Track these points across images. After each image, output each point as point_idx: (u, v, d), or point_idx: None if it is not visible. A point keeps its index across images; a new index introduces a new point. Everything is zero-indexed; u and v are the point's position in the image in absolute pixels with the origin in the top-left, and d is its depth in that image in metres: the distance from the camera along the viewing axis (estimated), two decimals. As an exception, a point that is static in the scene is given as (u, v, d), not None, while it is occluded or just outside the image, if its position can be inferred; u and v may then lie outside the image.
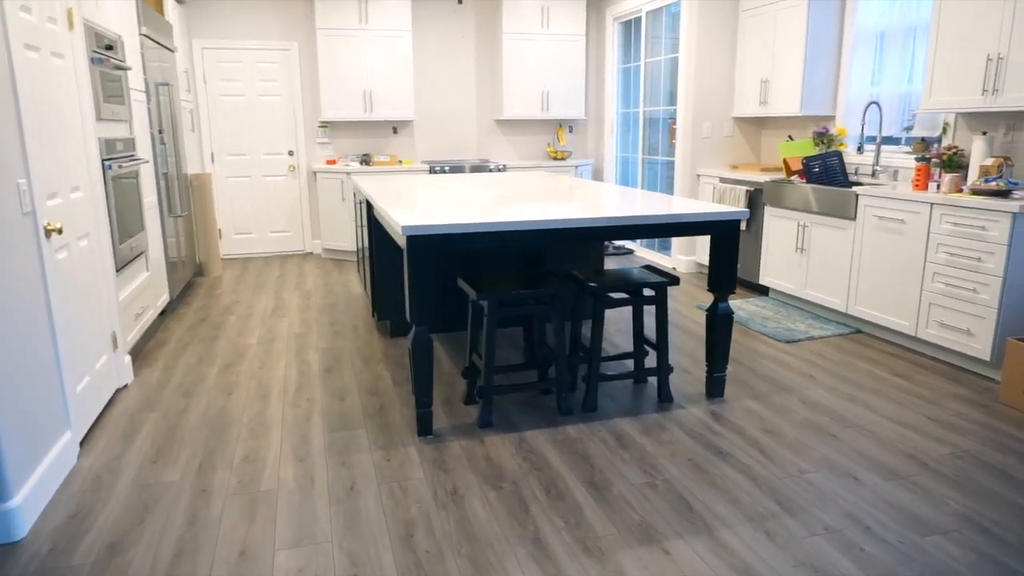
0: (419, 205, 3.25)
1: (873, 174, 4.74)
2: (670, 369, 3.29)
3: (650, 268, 3.42)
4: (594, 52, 7.58)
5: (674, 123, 6.14)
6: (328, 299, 5.27)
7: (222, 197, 6.82)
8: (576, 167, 7.28)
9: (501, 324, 4.48)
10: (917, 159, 4.03)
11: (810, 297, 4.66)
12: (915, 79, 4.53)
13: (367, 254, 4.28)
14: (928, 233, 3.74)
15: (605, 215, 2.90)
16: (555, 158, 7.45)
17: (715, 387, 3.33)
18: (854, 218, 4.25)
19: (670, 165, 6.57)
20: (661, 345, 3.24)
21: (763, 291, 5.34)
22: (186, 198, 5.53)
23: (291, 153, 6.92)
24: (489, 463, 2.71)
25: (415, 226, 2.67)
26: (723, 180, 5.53)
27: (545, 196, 3.61)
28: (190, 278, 5.71)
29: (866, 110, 4.61)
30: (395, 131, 7.16)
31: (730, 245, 3.14)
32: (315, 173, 6.93)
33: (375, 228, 4.17)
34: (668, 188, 6.60)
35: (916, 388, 3.42)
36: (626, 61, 7.23)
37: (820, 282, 4.56)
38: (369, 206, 4.21)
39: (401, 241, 2.80)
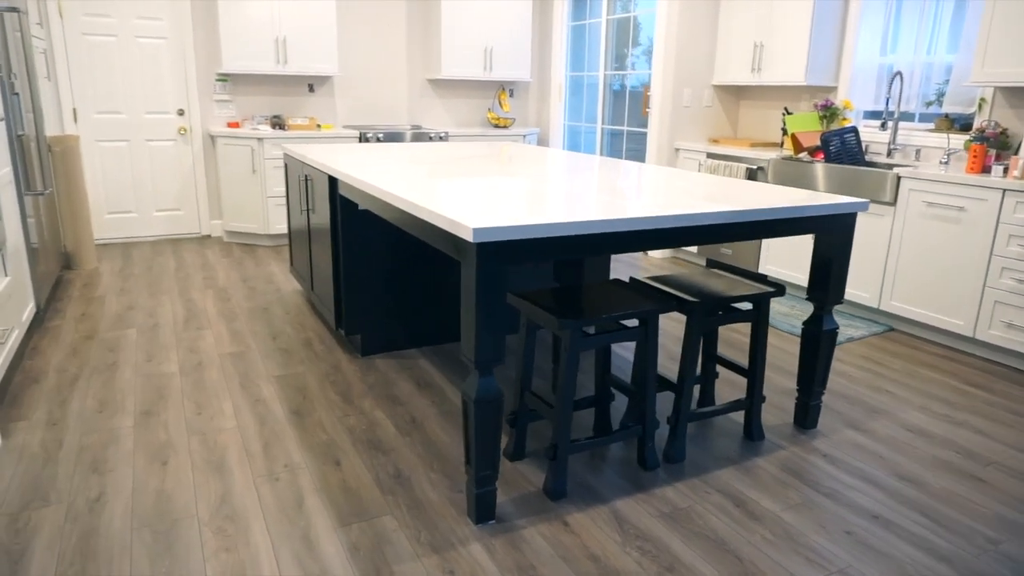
0: (438, 190, 2.33)
1: (889, 153, 4.32)
2: (762, 399, 2.63)
3: (728, 269, 2.73)
4: (539, 5, 6.72)
5: (648, 89, 5.47)
6: (255, 300, 4.15)
7: (91, 167, 5.35)
8: (524, 136, 6.45)
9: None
10: (973, 139, 3.60)
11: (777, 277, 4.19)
12: (938, 48, 4.12)
13: (334, 251, 3.25)
14: (997, 223, 3.33)
15: (732, 208, 2.15)
16: (497, 125, 6.57)
17: (809, 416, 2.71)
18: (893, 203, 3.78)
19: (637, 137, 5.92)
20: (756, 370, 2.57)
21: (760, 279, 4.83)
22: (48, 169, 4.14)
23: (181, 112, 5.55)
24: (596, 563, 1.92)
25: (495, 228, 1.78)
26: (712, 156, 4.94)
27: (590, 181, 2.79)
28: (57, 274, 4.34)
29: (892, 81, 4.14)
30: (311, 89, 5.96)
31: (843, 244, 2.50)
32: (213, 138, 5.61)
33: (346, 215, 3.15)
34: (640, 161, 5.95)
35: (1011, 404, 3.00)
36: (578, 18, 6.44)
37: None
38: (331, 183, 3.18)
39: (446, 246, 1.90)
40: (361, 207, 3.16)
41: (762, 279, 2.59)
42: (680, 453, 2.46)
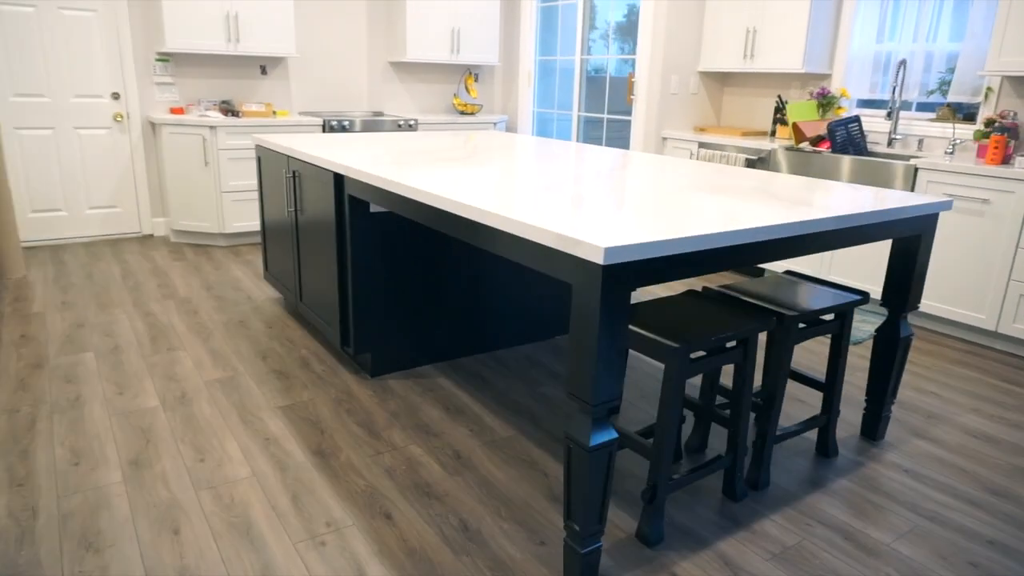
0: (502, 195, 1.99)
1: (890, 143, 4.25)
2: (838, 413, 2.45)
3: (803, 277, 2.52)
4: (504, -15, 6.36)
5: (633, 75, 5.23)
6: (228, 313, 3.66)
7: (11, 158, 4.63)
8: (494, 124, 6.09)
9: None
10: (994, 130, 3.54)
11: (836, 282, 4.09)
12: (941, 35, 4.06)
13: (339, 260, 2.83)
14: (1024, 216, 3.28)
15: (855, 211, 1.93)
16: (464, 112, 6.19)
17: (879, 428, 2.55)
18: (910, 195, 3.69)
19: (618, 125, 5.68)
20: (836, 384, 2.38)
21: (757, 273, 4.72)
22: (-33, 164, 3.50)
23: (116, 96, 4.89)
24: (729, 627, 1.66)
25: (629, 247, 1.48)
26: (706, 146, 4.76)
27: (657, 180, 2.52)
28: (-19, 288, 3.70)
29: (898, 70, 4.06)
30: (264, 71, 5.39)
31: (927, 245, 2.33)
32: (155, 125, 4.99)
33: (356, 218, 2.74)
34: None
35: (1050, 400, 2.95)
36: (548, -2, 6.12)
37: (850, 266, 3.99)
38: (337, 182, 2.76)
39: (560, 268, 1.58)
40: (374, 209, 2.76)
41: (840, 287, 2.39)
42: (766, 479, 2.24)
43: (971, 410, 2.85)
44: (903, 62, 4.06)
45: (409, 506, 2.08)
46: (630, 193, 2.11)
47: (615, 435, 1.65)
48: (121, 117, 4.92)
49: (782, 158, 4.27)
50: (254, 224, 5.01)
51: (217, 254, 4.79)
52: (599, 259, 1.46)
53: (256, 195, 4.98)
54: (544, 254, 1.64)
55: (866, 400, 2.56)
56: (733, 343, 2.35)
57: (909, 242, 2.33)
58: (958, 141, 3.93)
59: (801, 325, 2.20)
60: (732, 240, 1.67)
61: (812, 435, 2.58)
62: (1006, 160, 3.51)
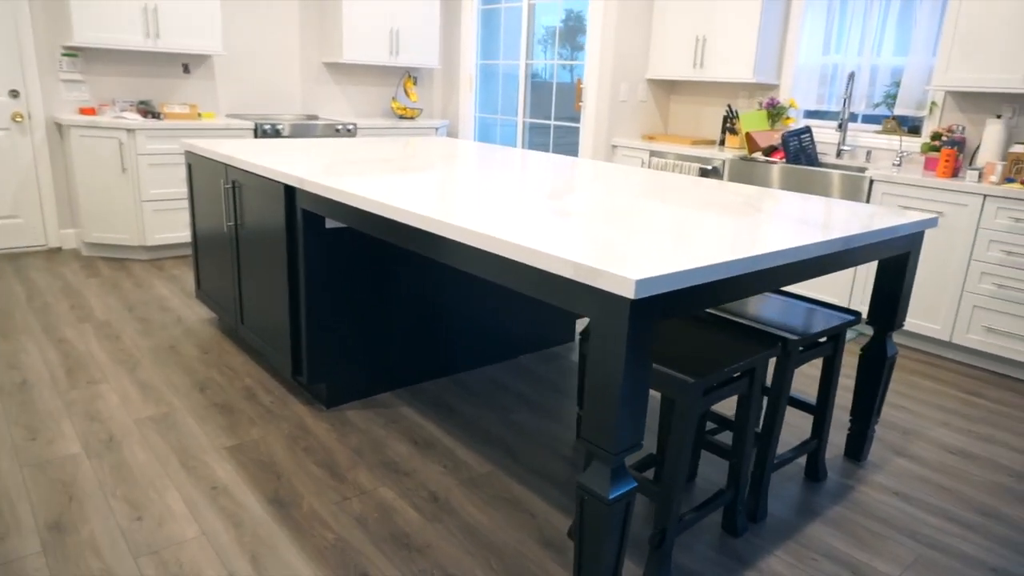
0: (498, 215, 1.80)
1: (838, 154, 4.30)
2: (827, 436, 2.37)
3: (785, 295, 2.43)
4: (444, -14, 6.13)
5: (581, 82, 5.11)
6: (155, 337, 3.29)
7: None
8: (436, 129, 5.86)
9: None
10: (944, 143, 3.60)
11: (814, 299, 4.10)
12: (885, 50, 4.13)
13: (291, 281, 2.54)
14: (977, 228, 3.34)
15: (872, 228, 1.84)
16: (403, 116, 5.93)
17: (864, 448, 2.50)
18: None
19: (563, 131, 5.57)
20: (828, 408, 2.30)
21: (826, 305, 4.68)
22: None
23: (15, 94, 4.37)
24: None
25: (660, 278, 1.31)
26: (657, 154, 4.70)
27: (654, 195, 2.37)
28: None
29: (849, 81, 4.10)
30: (186, 70, 4.97)
31: (913, 263, 2.29)
32: (61, 127, 4.49)
33: (310, 234, 2.47)
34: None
35: (1015, 412, 2.99)
36: (490, 1, 5.94)
37: (825, 281, 3.99)
38: (288, 194, 2.48)
39: (576, 301, 1.40)
40: (330, 225, 2.50)
41: (826, 305, 2.31)
42: (763, 511, 2.13)
43: (941, 424, 2.85)
44: (852, 75, 4.11)
45: (388, 562, 1.85)
46: (624, 211, 1.95)
47: (634, 484, 1.49)
48: (21, 118, 4.41)
49: (737, 168, 4.24)
50: (179, 236, 4.59)
51: (137, 269, 4.35)
52: (628, 293, 1.29)
53: (181, 204, 4.56)
54: (557, 285, 1.45)
55: (851, 420, 2.50)
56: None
57: (898, 260, 2.28)
58: (905, 153, 4.00)
59: (800, 348, 2.11)
60: (757, 265, 1.53)
61: (800, 458, 2.51)
62: (955, 173, 3.58)
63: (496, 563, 1.87)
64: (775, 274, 1.66)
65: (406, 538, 1.95)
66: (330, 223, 2.51)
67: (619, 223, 1.77)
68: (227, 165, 2.89)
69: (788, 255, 1.62)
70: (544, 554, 1.92)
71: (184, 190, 4.55)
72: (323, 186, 2.19)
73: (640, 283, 1.28)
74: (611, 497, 1.44)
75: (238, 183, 2.84)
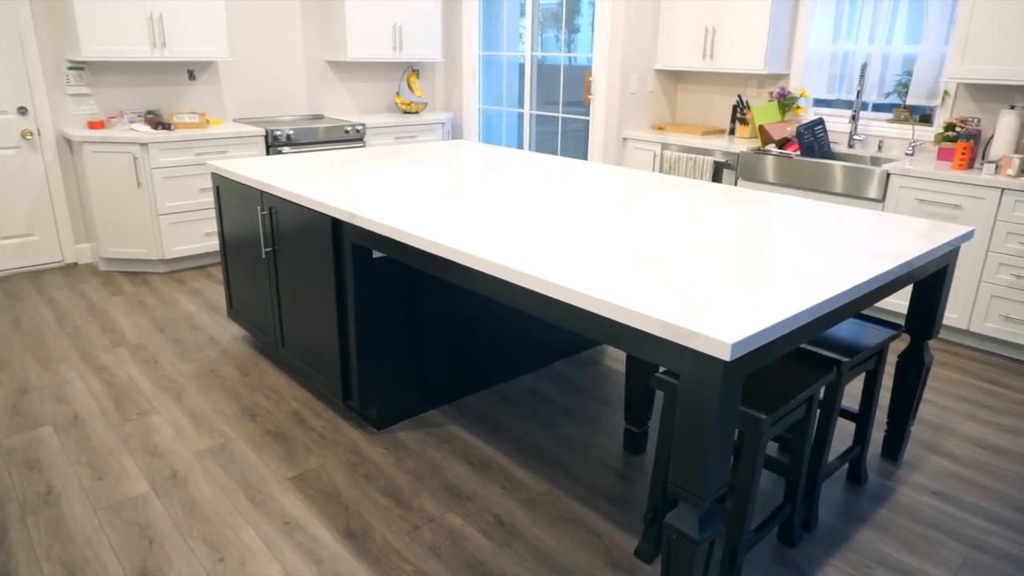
0: (578, 263, 1.84)
1: (850, 144, 4.35)
2: (869, 442, 2.47)
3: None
4: (443, -24, 6.05)
5: (590, 73, 5.11)
6: (193, 360, 3.32)
7: None
8: (443, 123, 5.84)
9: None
10: (960, 136, 3.66)
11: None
12: (896, 37, 4.16)
13: (340, 311, 2.58)
14: (995, 220, 3.42)
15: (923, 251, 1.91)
16: (408, 111, 5.89)
17: (900, 448, 2.60)
18: (882, 199, 3.79)
19: (571, 122, 5.57)
20: (870, 415, 2.39)
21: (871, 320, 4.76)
22: None
23: (23, 111, 4.31)
24: None
25: (753, 336, 1.37)
26: (670, 147, 4.73)
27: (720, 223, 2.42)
28: None
29: (861, 71, 4.13)
30: (192, 76, 4.91)
31: (949, 273, 2.36)
32: (72, 143, 4.45)
33: (359, 266, 2.50)
34: (581, 152, 5.63)
35: (1031, 399, 3.12)
36: (491, -9, 5.89)
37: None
38: (335, 227, 2.51)
39: (665, 357, 1.46)
40: (376, 255, 2.54)
41: (870, 319, 2.39)
42: (815, 519, 2.23)
43: (968, 417, 2.97)
44: (865, 66, 4.14)
45: (469, 594, 1.93)
46: (677, 240, 2.00)
47: (720, 523, 1.57)
48: (31, 134, 4.35)
49: (751, 161, 4.29)
50: (197, 247, 4.59)
51: (158, 283, 4.36)
52: (724, 355, 1.35)
53: (197, 215, 4.55)
54: (646, 341, 1.51)
55: (888, 422, 2.60)
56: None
57: (936, 272, 2.35)
58: (917, 143, 4.06)
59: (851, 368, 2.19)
60: (837, 304, 1.60)
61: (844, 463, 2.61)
62: (971, 165, 3.65)
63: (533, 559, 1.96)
64: (849, 308, 1.73)
65: (481, 566, 2.04)
66: (376, 252, 2.54)
67: (680, 256, 1.82)
68: (262, 192, 2.90)
69: (862, 288, 1.68)
70: (614, 575, 2.01)
71: (199, 201, 4.53)
72: (374, 222, 2.22)
73: (736, 346, 1.34)
74: (700, 538, 1.52)
75: (275, 209, 2.86)
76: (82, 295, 4.14)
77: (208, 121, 4.86)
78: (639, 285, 1.64)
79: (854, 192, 3.87)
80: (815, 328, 1.62)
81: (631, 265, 1.78)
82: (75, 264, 4.70)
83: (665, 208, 2.46)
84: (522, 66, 5.82)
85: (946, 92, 3.97)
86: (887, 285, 1.89)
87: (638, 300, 1.54)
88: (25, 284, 4.31)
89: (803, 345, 2.16)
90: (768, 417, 1.72)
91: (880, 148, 4.27)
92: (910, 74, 4.11)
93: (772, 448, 2.69)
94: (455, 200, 2.50)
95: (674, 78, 5.25)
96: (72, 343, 3.48)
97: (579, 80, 5.53)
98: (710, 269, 1.77)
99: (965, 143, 3.59)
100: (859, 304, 1.78)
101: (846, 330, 2.28)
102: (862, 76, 4.15)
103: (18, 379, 3.10)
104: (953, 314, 3.64)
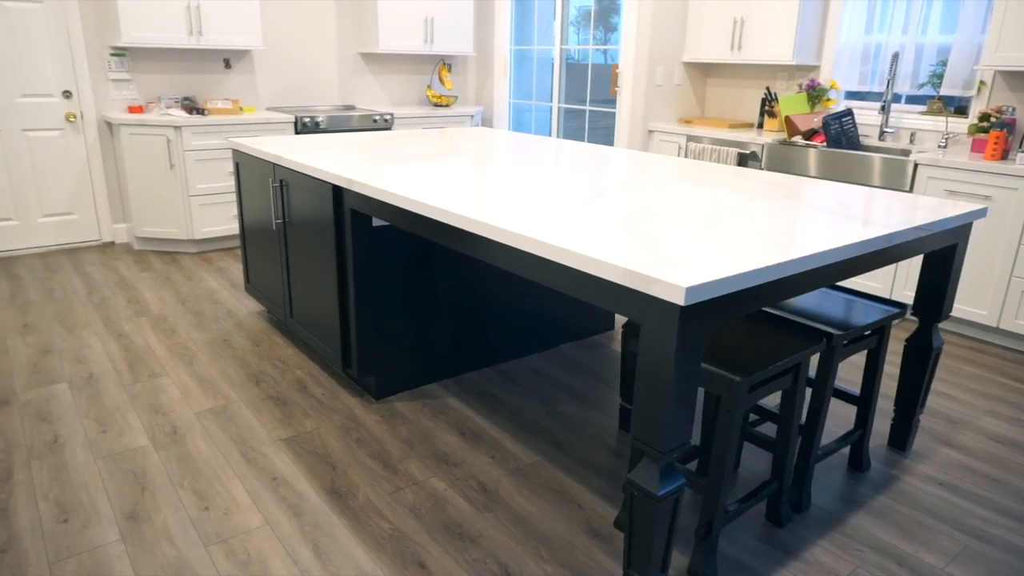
0: (552, 218, 1.84)
1: (881, 136, 4.22)
2: (871, 427, 2.38)
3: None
4: (477, -28, 6.12)
5: (617, 67, 5.09)
6: (208, 331, 3.42)
7: (-52, 165, 4.25)
8: (472, 116, 5.89)
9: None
10: (992, 125, 3.52)
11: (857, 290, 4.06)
12: (931, 27, 4.03)
13: (340, 279, 2.63)
14: (1027, 212, 3.27)
15: (918, 222, 1.84)
16: (438, 104, 5.97)
17: (908, 438, 2.50)
18: (910, 190, 3.67)
19: (598, 116, 5.55)
20: (872, 399, 2.31)
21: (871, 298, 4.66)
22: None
23: (68, 95, 4.53)
24: (804, 677, 1.57)
25: (709, 284, 1.35)
26: (695, 139, 4.67)
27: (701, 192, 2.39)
28: (-70, 312, 3.37)
29: (893, 63, 4.01)
30: (227, 65, 5.07)
31: (961, 255, 2.27)
32: (112, 126, 4.64)
33: (358, 233, 2.55)
34: (608, 145, 5.60)
35: (1059, 398, 2.96)
36: (523, -14, 5.92)
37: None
38: (336, 194, 2.56)
39: (626, 306, 1.44)
40: (377, 223, 2.58)
41: (869, 296, 2.31)
42: (807, 501, 2.16)
43: (987, 412, 2.83)
44: (896, 56, 4.02)
45: (443, 551, 1.93)
46: (668, 207, 1.98)
47: (683, 480, 1.54)
48: (74, 117, 4.56)
49: (777, 153, 4.20)
50: (225, 229, 4.73)
51: (186, 262, 4.50)
52: (678, 299, 1.32)
53: (226, 197, 4.69)
54: (607, 290, 1.50)
55: (895, 410, 2.50)
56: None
57: (944, 251, 2.26)
58: (951, 135, 3.92)
59: (844, 343, 2.12)
60: (806, 266, 1.55)
61: (844, 448, 2.52)
62: (1004, 156, 3.50)
63: (546, 553, 1.95)
64: (822, 273, 1.68)
65: (459, 528, 2.04)
66: (377, 221, 2.58)
67: (664, 220, 1.80)
68: (275, 165, 2.98)
69: (834, 255, 1.63)
70: (592, 543, 1.99)
71: (228, 184, 4.68)
72: (370, 187, 2.26)
73: (690, 290, 1.32)
74: (661, 494, 1.49)
75: (286, 182, 2.93)
76: (114, 270, 4.30)
77: (241, 108, 5.01)
78: (614, 241, 1.62)
79: (881, 183, 3.75)
80: (782, 289, 1.58)
81: (615, 226, 1.77)
82: (112, 243, 4.90)
83: (666, 182, 2.43)
84: (552, 62, 5.83)
85: (982, 82, 3.82)
86: (868, 256, 1.82)
87: (604, 251, 1.52)
88: (63, 259, 4.50)
89: (794, 317, 2.10)
90: (743, 380, 1.67)
91: (912, 140, 4.13)
92: (945, 64, 3.97)
93: (771, 429, 2.62)
94: (448, 172, 2.52)
95: (703, 71, 5.19)
96: (98, 312, 3.62)
97: (608, 76, 5.51)
98: (693, 231, 1.74)
99: (998, 132, 3.44)
100: (834, 272, 1.72)
101: (842, 306, 2.21)
102: (893, 66, 4.03)
103: (43, 341, 3.24)
104: (982, 311, 3.49)
